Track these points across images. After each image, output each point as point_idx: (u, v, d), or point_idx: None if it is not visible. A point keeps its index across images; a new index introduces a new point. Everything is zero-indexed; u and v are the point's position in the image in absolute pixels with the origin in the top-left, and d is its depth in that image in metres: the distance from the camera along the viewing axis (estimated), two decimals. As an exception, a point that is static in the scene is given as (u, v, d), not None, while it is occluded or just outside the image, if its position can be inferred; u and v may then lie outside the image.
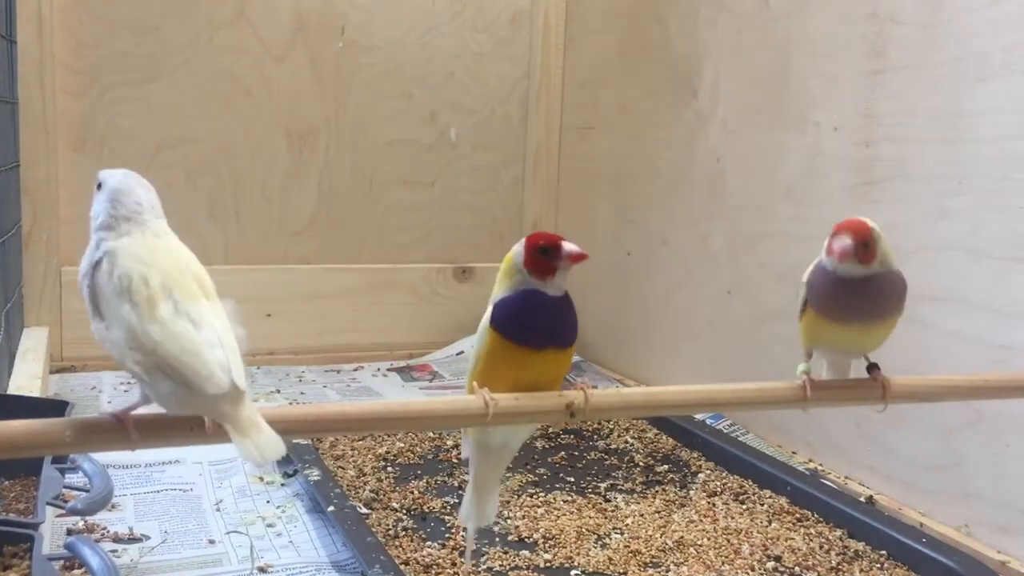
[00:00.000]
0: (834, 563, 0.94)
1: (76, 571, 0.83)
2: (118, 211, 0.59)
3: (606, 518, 1.03)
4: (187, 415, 0.57)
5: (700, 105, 1.44)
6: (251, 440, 0.56)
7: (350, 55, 1.71)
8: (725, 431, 1.30)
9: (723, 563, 0.93)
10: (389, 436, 1.25)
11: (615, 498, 1.09)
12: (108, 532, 0.95)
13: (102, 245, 0.58)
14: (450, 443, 1.24)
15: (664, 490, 1.12)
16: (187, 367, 0.54)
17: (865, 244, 0.74)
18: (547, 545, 0.96)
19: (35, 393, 1.16)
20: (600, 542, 0.98)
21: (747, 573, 0.92)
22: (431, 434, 1.27)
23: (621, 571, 0.91)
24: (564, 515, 1.04)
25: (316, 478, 1.05)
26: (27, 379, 1.22)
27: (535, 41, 1.82)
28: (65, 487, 0.89)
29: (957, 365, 1.01)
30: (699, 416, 1.32)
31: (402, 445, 1.22)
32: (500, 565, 0.92)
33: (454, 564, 0.91)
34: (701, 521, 1.03)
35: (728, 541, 0.98)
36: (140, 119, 1.59)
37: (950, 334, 1.03)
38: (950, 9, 1.04)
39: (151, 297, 0.56)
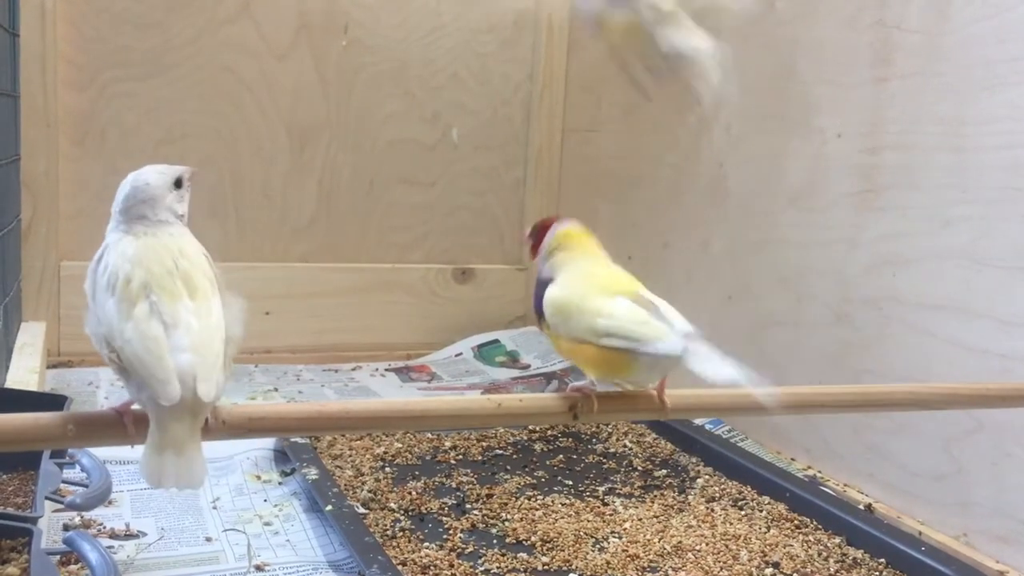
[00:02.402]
0: (832, 570, 0.94)
1: (73, 566, 0.83)
2: (120, 207, 0.62)
3: (604, 522, 1.03)
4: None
5: (703, 109, 1.44)
6: (159, 458, 0.54)
7: (353, 54, 1.71)
8: (724, 436, 1.29)
9: (721, 568, 0.93)
10: (387, 436, 1.25)
11: (613, 502, 1.09)
12: (104, 528, 0.95)
13: (107, 238, 0.61)
14: (448, 444, 1.24)
15: (662, 495, 1.12)
16: (147, 369, 0.54)
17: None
18: (545, 548, 0.96)
19: (32, 388, 1.16)
20: (598, 546, 0.97)
21: (746, 579, 0.92)
22: (429, 435, 1.27)
23: (619, 575, 0.91)
24: (562, 518, 1.03)
25: (314, 477, 1.05)
26: (24, 373, 1.22)
27: (539, 43, 1.82)
28: (63, 482, 0.88)
29: (959, 374, 1.01)
30: (698, 421, 1.32)
31: (400, 445, 1.22)
32: (498, 567, 0.91)
33: (452, 565, 0.91)
34: (699, 526, 1.03)
35: (726, 547, 0.98)
36: (141, 114, 1.59)
37: (953, 343, 1.03)
38: (957, 18, 1.04)
39: (130, 296, 0.57)
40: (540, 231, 0.80)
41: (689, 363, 0.66)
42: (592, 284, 0.73)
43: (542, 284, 0.76)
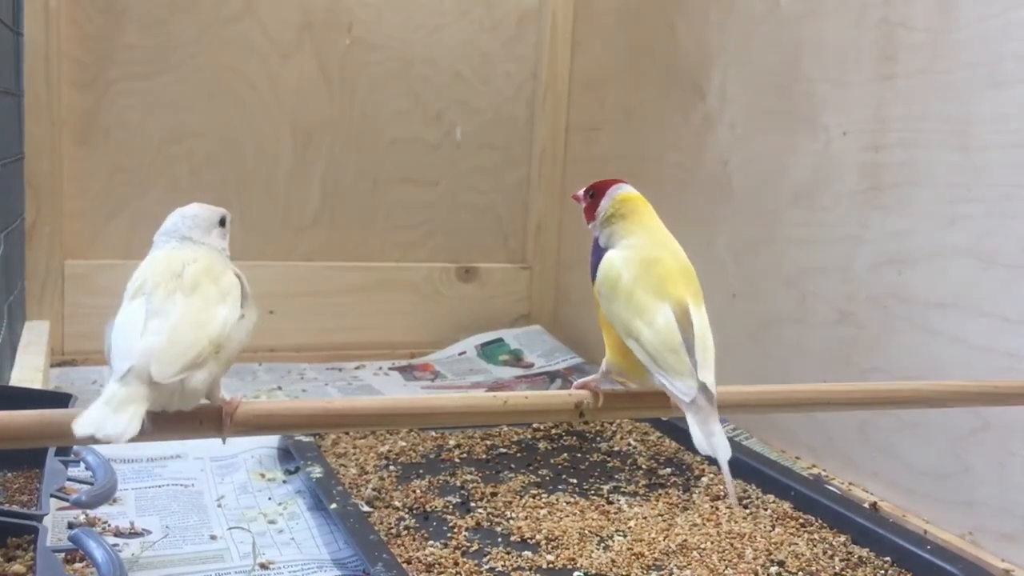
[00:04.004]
0: (838, 569, 0.94)
1: (78, 564, 0.83)
2: (165, 228, 0.67)
3: (609, 520, 1.03)
4: None
5: (708, 108, 1.44)
6: (90, 410, 0.53)
7: (357, 53, 1.71)
8: (728, 435, 1.29)
9: (726, 567, 0.93)
10: (391, 435, 1.25)
11: (618, 500, 1.09)
12: (109, 526, 0.95)
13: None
14: (452, 443, 1.24)
15: (667, 493, 1.11)
16: (113, 346, 0.57)
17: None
18: (550, 546, 0.96)
19: (37, 386, 1.16)
20: (603, 544, 0.97)
21: (751, 577, 0.92)
22: (433, 433, 1.27)
23: (624, 573, 0.91)
24: (567, 516, 1.03)
25: (318, 475, 1.05)
26: (29, 372, 1.22)
27: (542, 42, 1.82)
28: (68, 480, 0.88)
29: (965, 372, 1.01)
30: (702, 420, 1.32)
31: (404, 444, 1.22)
32: (503, 566, 0.91)
33: (456, 564, 0.91)
34: (704, 525, 1.03)
35: (731, 545, 0.98)
36: (145, 113, 1.59)
37: (958, 341, 1.03)
38: (961, 16, 1.04)
39: (133, 293, 0.60)
40: (597, 192, 0.78)
41: (688, 416, 0.65)
42: (649, 274, 0.71)
43: (599, 250, 0.75)
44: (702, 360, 0.67)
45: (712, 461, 1.22)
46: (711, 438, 0.64)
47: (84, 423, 0.52)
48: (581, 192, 0.80)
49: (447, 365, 1.71)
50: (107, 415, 0.52)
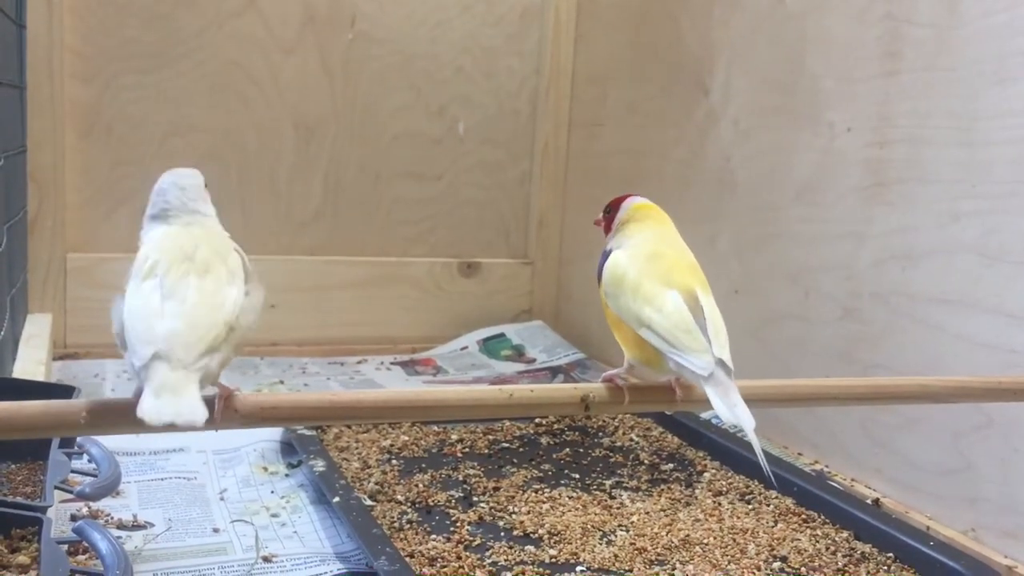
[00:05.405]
0: (840, 564, 0.94)
1: (81, 556, 0.83)
2: (155, 207, 0.67)
3: (611, 515, 1.03)
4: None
5: (711, 104, 1.44)
6: (157, 401, 0.53)
7: (359, 47, 1.71)
8: (731, 430, 1.29)
9: (729, 562, 0.93)
10: (393, 429, 1.25)
11: (620, 495, 1.09)
12: (112, 519, 0.95)
13: (144, 236, 0.66)
14: (454, 437, 1.24)
15: (670, 488, 1.11)
16: (131, 330, 0.56)
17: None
18: (552, 541, 0.96)
19: (39, 379, 1.16)
20: (605, 539, 0.97)
21: (753, 573, 0.91)
22: (435, 427, 1.27)
23: (627, 568, 0.91)
24: (569, 511, 1.03)
25: (321, 469, 1.05)
26: (31, 365, 1.22)
27: (545, 37, 1.82)
28: (72, 472, 0.88)
29: (969, 368, 1.01)
30: (705, 415, 1.32)
31: (407, 438, 1.22)
32: (505, 560, 0.91)
33: (459, 558, 0.91)
34: (707, 520, 1.03)
35: (734, 540, 0.98)
36: (147, 107, 1.59)
37: (961, 337, 1.03)
38: (967, 12, 1.03)
39: (144, 274, 0.60)
40: (613, 208, 0.81)
41: (708, 390, 0.65)
42: (654, 267, 0.72)
43: (606, 254, 0.77)
44: (716, 340, 0.67)
45: (714, 456, 1.22)
46: (734, 408, 0.64)
47: (156, 411, 0.52)
48: (600, 215, 0.83)
49: (449, 360, 1.72)
50: (175, 402, 0.52)
